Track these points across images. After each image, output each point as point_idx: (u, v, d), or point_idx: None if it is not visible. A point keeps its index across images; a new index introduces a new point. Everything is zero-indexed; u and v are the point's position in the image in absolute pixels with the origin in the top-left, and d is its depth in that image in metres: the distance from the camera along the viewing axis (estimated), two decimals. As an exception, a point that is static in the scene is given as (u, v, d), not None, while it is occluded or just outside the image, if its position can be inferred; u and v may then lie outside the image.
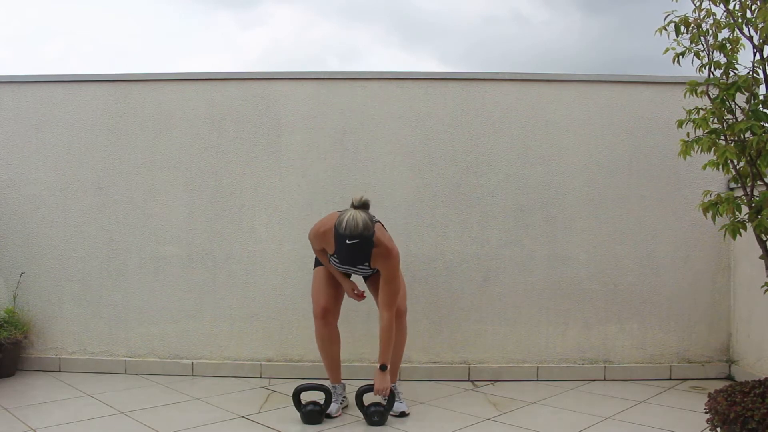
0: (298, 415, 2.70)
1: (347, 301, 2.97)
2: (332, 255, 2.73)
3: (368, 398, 2.75)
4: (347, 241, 2.48)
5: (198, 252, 3.59)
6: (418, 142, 3.57)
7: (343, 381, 2.94)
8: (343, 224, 2.48)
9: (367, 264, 2.72)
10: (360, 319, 3.05)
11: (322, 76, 3.61)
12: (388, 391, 2.68)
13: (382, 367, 2.68)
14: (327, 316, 2.84)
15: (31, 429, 2.52)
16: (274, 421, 2.69)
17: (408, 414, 2.80)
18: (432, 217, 3.55)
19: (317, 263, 2.91)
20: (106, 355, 3.59)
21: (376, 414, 2.66)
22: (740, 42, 2.34)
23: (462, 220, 3.56)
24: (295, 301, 3.55)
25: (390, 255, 2.68)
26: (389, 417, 2.75)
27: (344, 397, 2.92)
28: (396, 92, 3.60)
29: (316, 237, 2.77)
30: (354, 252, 2.51)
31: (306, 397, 2.74)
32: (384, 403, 2.70)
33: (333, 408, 2.78)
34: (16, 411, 2.77)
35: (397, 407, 2.79)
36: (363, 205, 2.60)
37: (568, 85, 3.61)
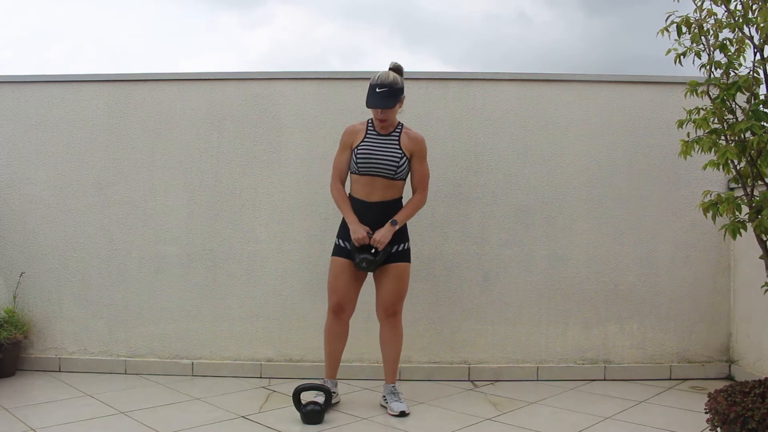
0: (298, 415, 2.70)
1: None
2: (359, 145, 2.85)
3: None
4: (376, 90, 2.75)
5: (198, 252, 3.59)
6: (418, 142, 3.56)
7: (342, 382, 2.95)
8: (376, 76, 2.79)
9: (396, 140, 2.85)
10: (360, 319, 3.04)
11: (323, 76, 3.61)
12: (383, 245, 2.77)
13: (393, 222, 2.81)
14: (340, 313, 2.87)
15: (31, 429, 2.52)
16: (274, 421, 2.69)
17: (408, 414, 2.80)
18: (432, 217, 3.55)
19: (335, 252, 2.89)
20: (106, 355, 3.59)
21: (364, 261, 2.76)
22: (745, 42, 2.34)
23: (462, 220, 3.56)
24: (295, 301, 3.55)
25: (420, 139, 2.91)
26: (389, 417, 2.76)
27: (335, 392, 2.92)
28: (396, 92, 3.59)
29: (351, 131, 2.93)
30: (384, 99, 2.74)
31: (306, 397, 2.74)
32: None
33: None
34: (16, 411, 2.77)
35: (397, 407, 2.79)
36: (396, 69, 2.89)
37: (568, 85, 3.61)
